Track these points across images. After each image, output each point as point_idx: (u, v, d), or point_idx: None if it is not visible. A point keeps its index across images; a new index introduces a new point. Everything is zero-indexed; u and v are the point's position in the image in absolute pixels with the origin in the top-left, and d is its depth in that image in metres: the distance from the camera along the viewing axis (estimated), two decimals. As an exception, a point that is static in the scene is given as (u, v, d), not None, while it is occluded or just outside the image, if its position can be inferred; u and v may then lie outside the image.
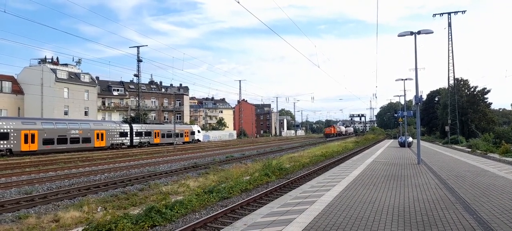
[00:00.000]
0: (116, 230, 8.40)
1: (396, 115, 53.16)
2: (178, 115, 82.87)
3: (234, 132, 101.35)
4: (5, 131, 34.17)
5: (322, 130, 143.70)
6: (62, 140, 39.66)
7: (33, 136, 36.47)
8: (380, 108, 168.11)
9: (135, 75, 65.76)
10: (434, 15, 51.72)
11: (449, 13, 51.02)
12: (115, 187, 16.27)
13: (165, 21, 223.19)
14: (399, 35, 19.93)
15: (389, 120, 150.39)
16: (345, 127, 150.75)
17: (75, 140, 41.31)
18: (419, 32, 19.54)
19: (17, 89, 57.30)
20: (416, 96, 20.52)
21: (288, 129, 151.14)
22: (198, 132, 69.74)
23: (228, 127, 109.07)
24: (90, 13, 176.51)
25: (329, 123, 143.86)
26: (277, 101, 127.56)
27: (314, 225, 7.16)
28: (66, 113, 58.24)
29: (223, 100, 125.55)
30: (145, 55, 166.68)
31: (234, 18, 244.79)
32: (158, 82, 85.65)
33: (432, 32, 19.69)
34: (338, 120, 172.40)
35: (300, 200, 9.86)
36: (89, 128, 43.71)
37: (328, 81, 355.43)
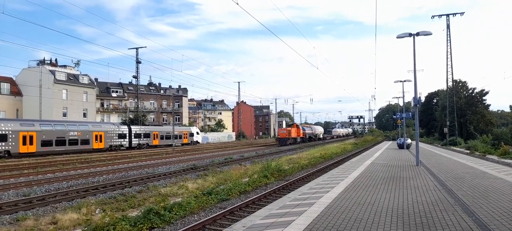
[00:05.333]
0: (114, 232, 8.36)
1: (394, 117, 53.28)
2: (177, 117, 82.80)
3: (233, 134, 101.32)
4: (4, 132, 34.08)
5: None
6: (60, 142, 39.57)
7: (31, 137, 36.38)
8: (379, 110, 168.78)
9: (134, 76, 65.71)
10: (433, 16, 51.83)
11: (447, 15, 51.10)
12: (114, 189, 16.22)
13: (162, 22, 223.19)
14: (398, 37, 19.95)
15: (388, 122, 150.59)
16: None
17: (73, 142, 41.23)
18: (417, 34, 19.57)
19: (16, 91, 57.20)
20: (414, 98, 20.56)
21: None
22: (197, 133, 69.66)
23: (227, 129, 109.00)
24: (87, 14, 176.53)
25: (289, 122, 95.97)
26: (276, 102, 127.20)
27: (313, 227, 7.14)
28: (64, 115, 58.16)
29: (222, 102, 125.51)
30: (144, 56, 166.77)
31: (232, 19, 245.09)
32: (157, 84, 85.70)
33: (431, 34, 19.72)
34: (336, 121, 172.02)
35: (299, 202, 9.85)
36: (87, 130, 43.63)
37: (327, 82, 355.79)
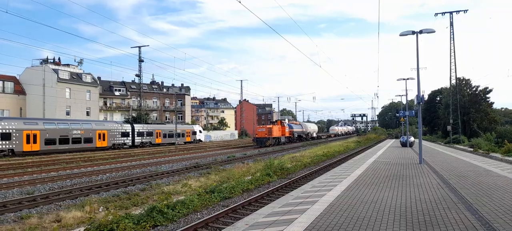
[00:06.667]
0: (118, 230, 8.40)
1: (397, 115, 53.10)
2: (180, 115, 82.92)
3: (236, 132, 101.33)
4: (7, 131, 34.26)
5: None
6: (64, 140, 39.74)
7: (35, 136, 36.54)
8: (381, 108, 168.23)
9: (136, 75, 65.76)
10: (436, 14, 51.58)
11: (451, 13, 50.88)
12: (117, 187, 16.28)
13: (164, 20, 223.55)
14: (401, 35, 19.87)
15: (391, 120, 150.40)
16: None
17: (77, 140, 41.39)
18: (421, 32, 19.47)
19: (19, 90, 57.44)
20: (417, 96, 20.47)
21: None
22: (200, 132, 69.76)
23: (229, 127, 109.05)
24: (89, 13, 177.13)
25: (264, 119, 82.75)
26: (278, 101, 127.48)
27: (316, 225, 7.15)
28: (68, 113, 58.36)
29: (224, 100, 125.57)
30: (146, 55, 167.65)
31: (234, 18, 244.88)
32: (160, 82, 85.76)
33: (434, 32, 19.62)
34: (339, 119, 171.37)
35: (302, 200, 9.85)
36: (90, 128, 43.78)
37: (330, 80, 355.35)
